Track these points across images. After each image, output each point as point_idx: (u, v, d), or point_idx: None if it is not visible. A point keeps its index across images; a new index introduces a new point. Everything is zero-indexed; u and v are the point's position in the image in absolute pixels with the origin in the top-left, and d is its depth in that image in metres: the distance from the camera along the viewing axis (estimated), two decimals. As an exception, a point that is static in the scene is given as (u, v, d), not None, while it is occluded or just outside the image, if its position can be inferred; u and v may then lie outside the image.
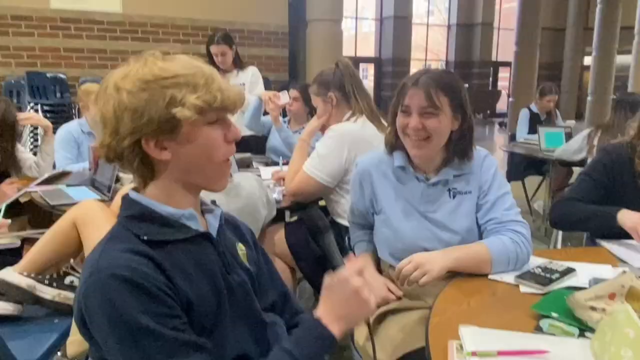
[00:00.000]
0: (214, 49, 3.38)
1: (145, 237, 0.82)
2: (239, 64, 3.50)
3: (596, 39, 11.85)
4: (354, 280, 0.87)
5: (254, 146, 3.14)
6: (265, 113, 3.19)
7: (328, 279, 0.90)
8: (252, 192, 1.55)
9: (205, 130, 0.83)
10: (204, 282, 0.85)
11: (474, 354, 0.88)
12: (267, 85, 5.21)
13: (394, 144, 1.48)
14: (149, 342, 0.75)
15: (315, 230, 1.02)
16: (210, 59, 3.44)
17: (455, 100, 1.38)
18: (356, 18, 14.69)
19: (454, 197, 1.44)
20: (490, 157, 1.48)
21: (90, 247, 1.63)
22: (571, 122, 4.98)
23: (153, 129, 0.80)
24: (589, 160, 3.33)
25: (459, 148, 1.42)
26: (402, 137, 1.41)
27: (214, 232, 0.92)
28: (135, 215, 0.85)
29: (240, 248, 1.01)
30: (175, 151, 0.83)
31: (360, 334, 1.45)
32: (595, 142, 3.27)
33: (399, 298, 1.45)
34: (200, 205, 0.94)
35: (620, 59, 11.92)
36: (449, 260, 1.26)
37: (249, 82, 3.46)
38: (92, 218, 1.68)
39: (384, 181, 1.50)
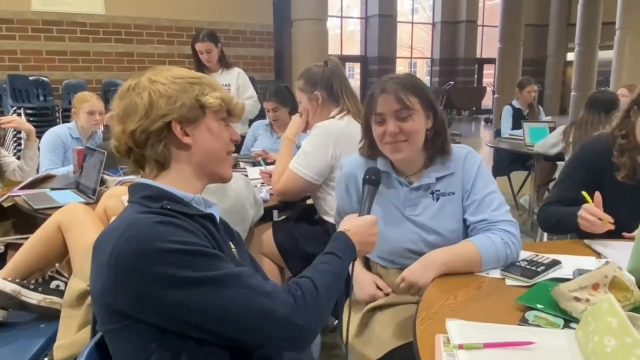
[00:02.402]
0: (199, 46, 3.38)
1: (167, 206, 0.91)
2: (224, 63, 3.50)
3: (578, 35, 12.01)
4: (375, 227, 1.16)
5: (240, 145, 3.14)
6: (257, 118, 3.18)
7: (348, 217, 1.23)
8: (239, 192, 1.54)
9: (220, 124, 1.01)
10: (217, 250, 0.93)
11: (460, 346, 0.88)
12: (253, 84, 5.20)
13: (370, 155, 1.48)
14: (203, 260, 0.85)
15: (373, 179, 1.25)
16: (195, 57, 3.43)
17: (424, 99, 1.38)
18: (341, 17, 14.71)
19: (437, 199, 1.43)
20: (473, 154, 1.46)
21: (75, 250, 1.63)
22: (548, 117, 5.04)
23: (183, 113, 0.95)
24: (566, 155, 3.40)
25: (436, 146, 1.42)
26: (381, 147, 1.41)
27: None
28: (150, 195, 0.94)
29: (231, 246, 1.06)
30: (196, 138, 0.98)
31: (349, 332, 1.45)
32: (571, 138, 3.33)
33: (386, 294, 1.45)
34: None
35: (603, 54, 12.09)
36: (439, 268, 1.27)
37: (235, 84, 3.46)
38: (77, 221, 1.67)
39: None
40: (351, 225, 1.13)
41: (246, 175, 2.44)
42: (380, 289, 1.47)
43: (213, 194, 1.45)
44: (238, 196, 1.52)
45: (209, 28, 3.66)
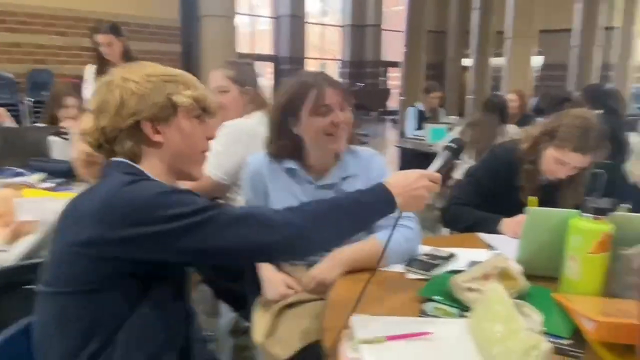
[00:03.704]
0: (99, 38, 3.16)
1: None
2: (128, 57, 3.30)
3: (473, 42, 12.91)
4: (427, 180, 1.09)
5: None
6: None
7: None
8: None
9: (192, 122, 1.03)
10: None
11: (365, 341, 0.91)
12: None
13: (281, 154, 1.47)
14: (182, 195, 0.91)
15: (456, 148, 1.23)
16: (96, 49, 3.21)
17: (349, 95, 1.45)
18: (251, 15, 14.58)
19: None
20: (377, 157, 1.53)
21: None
22: (454, 118, 5.38)
23: (154, 112, 0.98)
24: (462, 155, 3.64)
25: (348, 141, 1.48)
26: (321, 139, 1.42)
27: None
28: (134, 173, 0.96)
29: None
30: (167, 136, 1.00)
31: (259, 332, 1.44)
32: (466, 138, 3.59)
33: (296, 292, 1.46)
34: None
35: (495, 61, 13.09)
36: (345, 264, 1.32)
37: None
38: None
39: (276, 181, 1.50)
40: (393, 179, 1.09)
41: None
42: (291, 288, 1.47)
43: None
44: None
45: (109, 20, 3.44)
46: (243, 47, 13.21)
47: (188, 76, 1.05)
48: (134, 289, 0.92)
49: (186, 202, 0.89)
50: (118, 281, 0.91)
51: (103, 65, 3.22)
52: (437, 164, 1.18)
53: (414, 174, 1.09)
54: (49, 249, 0.97)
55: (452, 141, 1.26)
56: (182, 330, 1.04)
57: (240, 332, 2.32)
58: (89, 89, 3.27)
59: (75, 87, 3.31)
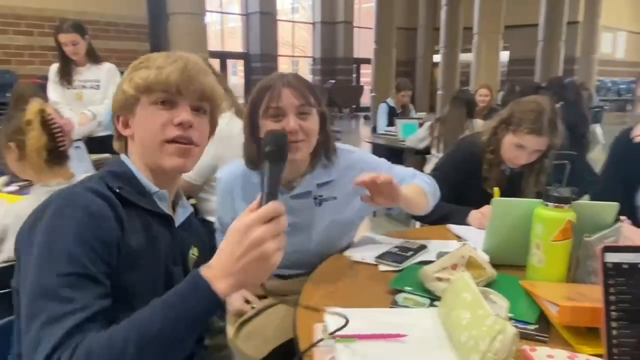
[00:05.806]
0: (62, 37, 3.08)
1: (117, 190, 0.88)
2: (93, 57, 3.24)
3: (443, 38, 13.07)
4: (255, 231, 0.71)
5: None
6: None
7: (234, 222, 0.74)
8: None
9: (149, 110, 0.92)
10: (149, 261, 0.91)
11: (334, 336, 0.90)
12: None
13: (254, 163, 1.35)
14: (62, 265, 0.76)
15: (275, 151, 0.81)
16: (59, 49, 3.13)
17: (318, 99, 1.31)
18: (221, 12, 14.44)
19: (320, 204, 1.40)
20: (354, 154, 1.45)
21: None
22: (423, 114, 5.46)
23: (119, 105, 0.95)
24: (432, 149, 3.71)
25: (323, 150, 1.38)
26: None
27: (176, 223, 1.01)
28: (116, 172, 0.93)
29: (193, 253, 1.05)
30: (134, 128, 0.95)
31: (232, 328, 1.44)
32: (436, 133, 3.66)
33: (253, 307, 1.42)
34: (175, 196, 1.04)
35: (464, 57, 13.29)
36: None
37: (104, 80, 3.22)
38: None
39: (244, 193, 1.42)
40: (215, 258, 0.76)
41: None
42: (248, 302, 1.44)
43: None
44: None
45: (75, 19, 3.36)
46: (213, 44, 13.08)
47: (149, 61, 0.93)
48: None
49: (66, 295, 0.74)
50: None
51: (67, 65, 3.15)
52: (265, 189, 0.77)
53: (235, 234, 0.73)
54: None
55: (266, 144, 0.82)
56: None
57: (216, 331, 2.31)
58: (53, 90, 3.20)
59: (41, 87, 3.23)
